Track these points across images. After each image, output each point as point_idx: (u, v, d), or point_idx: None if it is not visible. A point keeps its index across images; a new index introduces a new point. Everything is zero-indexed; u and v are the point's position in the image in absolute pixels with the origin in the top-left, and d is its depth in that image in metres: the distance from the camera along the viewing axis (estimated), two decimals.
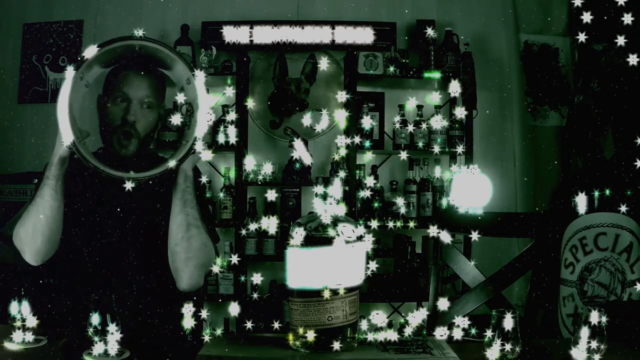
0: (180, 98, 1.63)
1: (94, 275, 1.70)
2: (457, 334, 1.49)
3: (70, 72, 1.53)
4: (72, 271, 1.73)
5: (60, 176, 1.61)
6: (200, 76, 1.59)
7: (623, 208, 1.76)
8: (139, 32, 1.59)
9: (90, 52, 1.54)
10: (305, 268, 1.39)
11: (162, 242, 1.68)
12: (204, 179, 1.81)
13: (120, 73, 1.73)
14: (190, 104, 1.63)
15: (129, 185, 1.50)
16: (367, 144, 3.37)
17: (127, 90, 1.72)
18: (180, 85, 1.68)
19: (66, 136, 1.52)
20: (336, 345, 1.39)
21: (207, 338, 1.45)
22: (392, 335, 1.51)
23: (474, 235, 1.62)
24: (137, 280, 1.71)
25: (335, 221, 1.43)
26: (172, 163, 1.56)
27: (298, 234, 1.39)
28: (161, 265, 1.68)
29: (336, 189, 1.44)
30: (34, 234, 1.62)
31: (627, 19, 1.49)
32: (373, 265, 1.46)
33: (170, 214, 1.66)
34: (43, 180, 1.62)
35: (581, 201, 1.76)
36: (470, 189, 3.19)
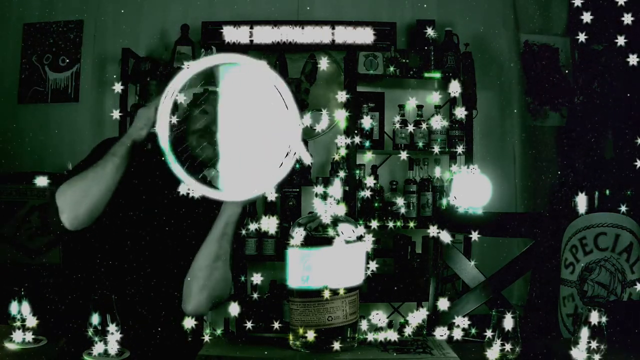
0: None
1: (108, 266, 1.69)
2: (457, 334, 1.49)
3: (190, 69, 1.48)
4: (91, 255, 1.71)
5: (126, 158, 1.59)
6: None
7: (623, 208, 1.76)
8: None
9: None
10: (305, 268, 1.39)
11: (186, 262, 1.66)
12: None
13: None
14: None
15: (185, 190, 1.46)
16: (367, 144, 3.37)
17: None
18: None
19: (161, 126, 1.47)
20: (336, 345, 1.39)
21: (207, 338, 1.46)
22: (392, 335, 1.51)
23: (474, 235, 1.62)
24: (147, 286, 1.70)
25: (335, 221, 1.43)
26: (270, 187, 1.47)
27: (298, 234, 1.39)
28: (175, 282, 1.67)
29: (336, 189, 1.44)
30: (82, 198, 1.59)
31: (627, 19, 1.49)
32: (373, 265, 1.46)
33: (204, 237, 1.63)
34: (107, 156, 1.60)
35: (581, 201, 1.76)
36: (470, 189, 3.19)
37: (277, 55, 3.68)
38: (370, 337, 1.51)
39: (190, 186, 1.44)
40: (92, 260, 1.71)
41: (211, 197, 1.47)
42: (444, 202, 3.47)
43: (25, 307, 1.45)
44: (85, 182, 1.60)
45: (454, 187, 3.32)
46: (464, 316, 1.55)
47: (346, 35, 3.60)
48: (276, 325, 1.65)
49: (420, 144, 3.50)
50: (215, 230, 1.62)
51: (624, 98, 3.17)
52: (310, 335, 1.39)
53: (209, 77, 1.65)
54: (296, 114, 1.51)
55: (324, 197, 1.43)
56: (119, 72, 3.59)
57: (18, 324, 1.44)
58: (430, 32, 3.45)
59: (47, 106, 3.72)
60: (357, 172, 3.52)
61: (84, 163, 1.69)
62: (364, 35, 3.60)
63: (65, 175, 1.67)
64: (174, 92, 1.48)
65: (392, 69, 3.52)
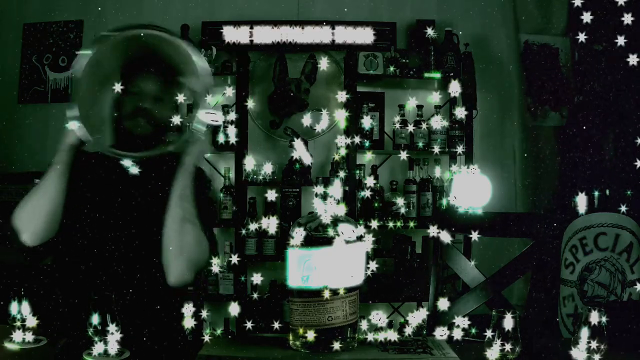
0: (191, 84, 1.64)
1: (90, 268, 1.70)
2: (457, 334, 1.49)
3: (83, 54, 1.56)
4: (70, 263, 1.73)
5: (67, 163, 1.64)
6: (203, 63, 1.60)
7: (623, 208, 1.76)
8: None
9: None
10: (305, 268, 1.39)
11: (158, 238, 1.67)
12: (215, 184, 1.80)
13: (131, 69, 1.74)
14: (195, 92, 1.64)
15: (133, 170, 1.52)
16: (367, 144, 3.37)
17: (139, 84, 1.73)
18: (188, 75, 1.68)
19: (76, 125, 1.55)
20: (336, 345, 1.39)
21: (207, 338, 1.46)
22: (392, 335, 1.51)
23: (474, 235, 1.62)
24: (132, 274, 1.70)
25: (335, 221, 1.43)
26: (171, 147, 1.58)
27: (298, 234, 1.39)
28: (156, 261, 1.68)
29: (336, 189, 1.44)
30: (34, 213, 1.63)
31: (627, 19, 1.49)
32: (373, 265, 1.46)
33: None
34: (49, 167, 1.65)
35: (581, 201, 1.76)
36: (470, 189, 3.19)
37: (277, 56, 3.69)
38: (370, 337, 1.51)
39: (109, 152, 1.57)
40: (76, 264, 1.72)
41: (122, 155, 1.57)
42: (444, 202, 3.47)
43: (25, 307, 1.45)
44: (32, 198, 1.65)
45: (454, 187, 3.32)
46: (464, 316, 1.55)
47: (346, 35, 3.60)
48: (276, 325, 1.65)
49: (420, 144, 3.50)
50: (173, 195, 1.65)
51: (624, 98, 3.17)
52: (310, 335, 1.39)
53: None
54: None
55: (324, 197, 1.43)
56: None
57: (18, 324, 1.44)
58: (430, 32, 3.45)
59: (47, 106, 3.72)
60: (357, 172, 3.53)
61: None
62: (364, 35, 3.60)
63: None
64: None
65: (392, 69, 3.52)
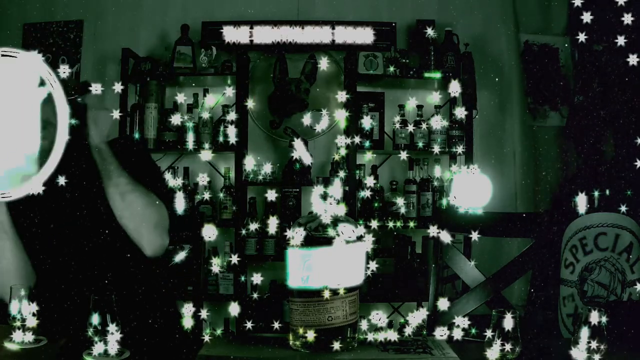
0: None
1: (79, 283, 1.70)
2: (457, 334, 1.49)
3: None
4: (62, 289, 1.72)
5: (5, 219, 1.62)
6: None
7: (623, 208, 1.76)
8: None
9: None
10: (305, 268, 1.39)
11: (118, 227, 1.68)
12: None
13: None
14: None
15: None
16: (367, 144, 3.37)
17: None
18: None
19: None
20: (336, 345, 1.39)
21: (207, 338, 1.46)
22: (392, 335, 1.51)
23: (474, 235, 1.62)
24: (116, 271, 1.71)
25: (335, 221, 1.43)
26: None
27: (298, 234, 1.39)
28: (129, 246, 1.68)
29: (336, 189, 1.44)
30: (3, 279, 1.61)
31: (627, 19, 1.49)
32: (373, 265, 1.46)
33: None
34: None
35: (581, 201, 1.76)
36: (470, 189, 3.19)
37: (277, 56, 3.69)
38: (370, 337, 1.51)
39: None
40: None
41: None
42: (444, 202, 3.47)
43: (25, 307, 1.45)
44: None
45: (454, 187, 3.32)
46: (464, 316, 1.55)
47: (346, 35, 3.60)
48: (276, 325, 1.65)
49: (420, 144, 3.50)
50: (103, 179, 1.65)
51: (624, 98, 3.18)
52: (310, 335, 1.39)
53: None
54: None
55: (324, 197, 1.43)
56: (119, 72, 3.59)
57: (18, 324, 1.44)
58: (430, 32, 3.45)
59: None
60: (357, 172, 3.53)
61: None
62: (364, 35, 3.60)
63: None
64: None
65: (392, 69, 3.52)
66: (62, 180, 1.44)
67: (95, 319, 1.32)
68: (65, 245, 1.71)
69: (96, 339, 1.32)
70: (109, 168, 1.65)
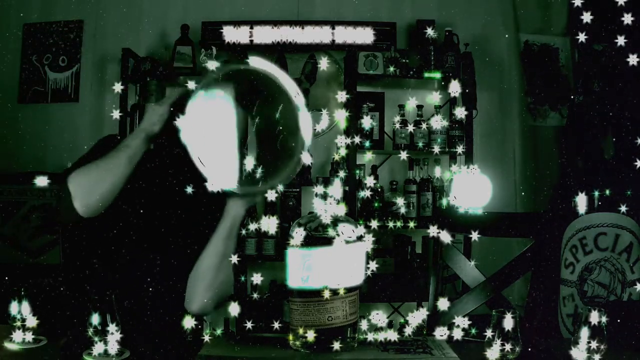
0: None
1: (111, 263, 1.69)
2: (457, 334, 1.49)
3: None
4: (93, 250, 1.71)
5: (140, 150, 1.59)
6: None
7: (623, 208, 1.76)
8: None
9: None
10: (305, 268, 1.39)
11: (189, 260, 1.66)
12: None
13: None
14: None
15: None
16: (367, 144, 3.37)
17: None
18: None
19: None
20: (336, 345, 1.39)
21: (207, 338, 1.46)
22: (392, 335, 1.51)
23: (474, 235, 1.62)
24: (150, 284, 1.70)
25: (335, 221, 1.43)
26: (279, 182, 1.51)
27: (298, 234, 1.39)
28: (179, 280, 1.67)
29: (336, 189, 1.44)
30: (95, 186, 1.58)
31: (627, 19, 1.49)
32: (373, 265, 1.46)
33: (208, 237, 1.64)
34: (120, 147, 1.59)
35: (581, 201, 1.76)
36: (470, 189, 3.19)
37: (277, 55, 3.69)
38: (370, 337, 1.51)
39: (210, 180, 1.46)
40: (93, 257, 1.71)
41: (226, 191, 1.49)
42: (444, 202, 3.47)
43: (25, 307, 1.45)
44: (99, 171, 1.59)
45: (454, 187, 3.32)
46: (464, 316, 1.55)
47: (346, 35, 3.60)
48: (276, 325, 1.65)
49: (420, 144, 3.50)
50: (222, 230, 1.63)
51: (624, 98, 3.18)
52: (310, 335, 1.39)
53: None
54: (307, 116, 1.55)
55: (324, 197, 1.43)
56: (119, 72, 3.59)
57: (18, 324, 1.44)
58: (430, 32, 3.45)
59: (47, 106, 3.72)
60: (357, 172, 3.53)
61: (88, 156, 1.68)
62: (364, 35, 3.60)
63: (70, 167, 1.66)
64: (200, 92, 1.50)
65: (392, 69, 3.52)
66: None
67: (95, 319, 1.32)
68: (141, 225, 1.69)
69: (96, 339, 1.32)
70: (234, 230, 1.64)
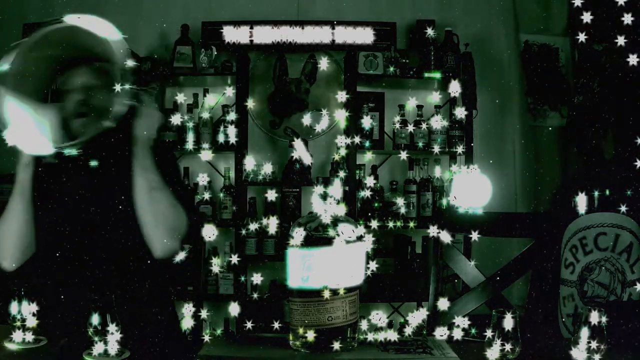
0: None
1: (78, 270, 1.70)
2: (457, 334, 1.50)
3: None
4: (55, 269, 1.73)
5: (28, 180, 1.66)
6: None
7: (623, 208, 1.76)
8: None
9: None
10: (305, 268, 1.39)
11: (134, 218, 1.68)
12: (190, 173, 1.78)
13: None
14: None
15: (92, 163, 1.55)
16: (367, 144, 3.37)
17: (68, 81, 1.76)
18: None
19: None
20: (336, 345, 1.39)
21: (207, 338, 1.46)
22: (392, 335, 1.51)
23: (474, 235, 1.62)
24: (119, 262, 1.71)
25: (335, 221, 1.43)
26: (107, 123, 1.57)
27: (298, 234, 1.39)
28: (139, 240, 1.68)
29: (336, 189, 1.44)
30: (7, 239, 1.64)
31: (627, 19, 1.49)
32: (373, 265, 1.46)
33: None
34: (13, 187, 1.67)
35: (581, 201, 1.76)
36: (470, 189, 3.19)
37: (277, 56, 3.69)
38: (370, 337, 1.51)
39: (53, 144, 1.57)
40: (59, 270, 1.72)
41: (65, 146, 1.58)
42: (444, 202, 3.47)
43: (25, 307, 1.45)
44: (3, 225, 1.65)
45: (454, 187, 3.32)
46: (464, 316, 1.55)
47: (346, 35, 3.60)
48: (276, 325, 1.65)
49: (420, 144, 3.50)
50: (135, 169, 1.66)
51: (624, 98, 3.17)
52: (310, 335, 1.39)
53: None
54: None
55: (324, 197, 1.43)
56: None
57: (18, 324, 1.44)
58: (430, 32, 3.45)
59: None
60: (357, 172, 3.53)
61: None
62: (364, 35, 3.60)
63: None
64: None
65: (392, 69, 3.52)
66: (94, 163, 1.49)
67: (95, 319, 1.32)
68: (73, 226, 1.71)
69: (96, 339, 1.32)
70: (145, 162, 1.66)
